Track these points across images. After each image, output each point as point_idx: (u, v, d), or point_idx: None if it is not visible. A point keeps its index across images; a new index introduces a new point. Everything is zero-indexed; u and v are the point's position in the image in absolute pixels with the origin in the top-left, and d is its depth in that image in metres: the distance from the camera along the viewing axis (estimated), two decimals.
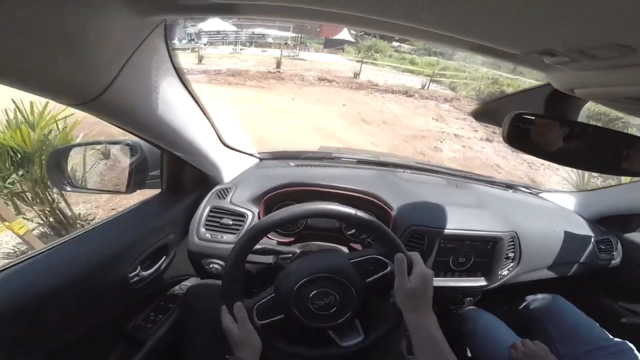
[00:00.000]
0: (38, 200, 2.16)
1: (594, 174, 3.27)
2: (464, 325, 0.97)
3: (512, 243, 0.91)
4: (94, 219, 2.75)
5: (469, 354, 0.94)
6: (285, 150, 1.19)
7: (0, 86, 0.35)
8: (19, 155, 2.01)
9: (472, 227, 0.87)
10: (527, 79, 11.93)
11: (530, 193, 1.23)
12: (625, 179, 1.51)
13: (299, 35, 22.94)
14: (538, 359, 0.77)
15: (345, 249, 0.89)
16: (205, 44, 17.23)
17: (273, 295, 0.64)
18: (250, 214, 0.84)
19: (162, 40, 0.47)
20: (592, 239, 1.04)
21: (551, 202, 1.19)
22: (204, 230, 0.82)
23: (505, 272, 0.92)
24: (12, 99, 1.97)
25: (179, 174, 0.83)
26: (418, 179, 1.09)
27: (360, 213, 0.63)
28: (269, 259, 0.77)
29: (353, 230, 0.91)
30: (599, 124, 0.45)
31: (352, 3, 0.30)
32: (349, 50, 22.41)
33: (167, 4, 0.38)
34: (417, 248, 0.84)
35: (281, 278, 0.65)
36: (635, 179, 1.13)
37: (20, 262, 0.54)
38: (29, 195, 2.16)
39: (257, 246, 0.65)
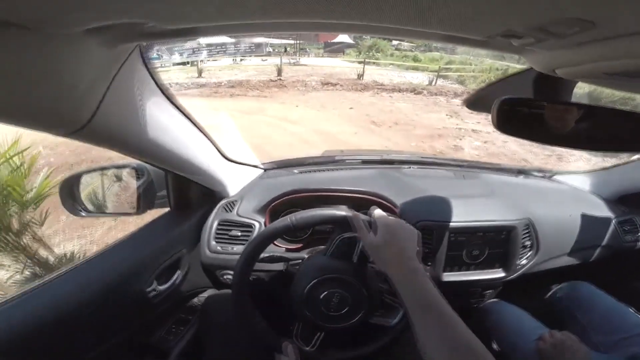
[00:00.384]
0: (7, 248, 1.82)
1: None
2: (487, 319, 0.93)
3: (528, 231, 0.88)
4: (85, 254, 2.47)
5: (496, 349, 0.89)
6: (289, 159, 1.17)
7: None
8: None
9: (483, 218, 0.84)
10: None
11: (543, 177, 1.17)
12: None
13: (298, 42, 22.87)
14: (567, 350, 0.73)
15: None
16: (205, 58, 17.21)
17: (301, 322, 0.67)
18: (257, 224, 0.85)
19: (141, 63, 0.48)
20: (614, 220, 1.00)
21: (566, 184, 1.14)
22: (214, 243, 0.84)
23: (524, 262, 0.89)
24: None
25: (185, 192, 0.85)
26: (423, 173, 1.07)
27: (337, 211, 0.62)
28: (279, 267, 0.75)
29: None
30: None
31: (322, 12, 0.30)
32: (349, 53, 22.14)
33: (132, 32, 0.38)
34: (427, 243, 0.82)
35: (291, 286, 0.65)
36: None
37: (41, 285, 0.56)
38: None
39: (265, 254, 0.66)
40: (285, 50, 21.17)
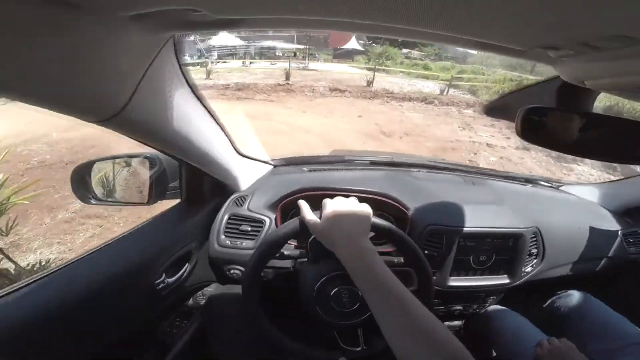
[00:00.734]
0: None
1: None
2: (488, 325, 0.94)
3: (535, 239, 0.89)
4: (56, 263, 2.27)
5: (495, 354, 0.91)
6: (298, 156, 1.17)
7: None
8: None
9: (492, 224, 0.85)
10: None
11: (551, 187, 1.19)
12: None
13: (307, 47, 22.84)
14: (564, 357, 0.74)
15: None
16: (215, 60, 17.21)
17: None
18: (267, 220, 0.84)
19: (173, 54, 0.48)
20: (619, 232, 1.00)
21: (574, 195, 1.15)
22: (223, 237, 0.83)
23: (528, 269, 0.90)
24: None
25: (197, 184, 0.85)
26: (433, 177, 1.07)
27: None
28: (287, 264, 0.74)
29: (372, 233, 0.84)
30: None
31: (358, 12, 0.31)
32: (359, 59, 22.00)
33: (174, 21, 0.38)
34: (436, 248, 0.82)
35: (301, 283, 0.65)
36: None
37: (52, 273, 0.56)
38: None
39: None
40: (295, 55, 21.13)
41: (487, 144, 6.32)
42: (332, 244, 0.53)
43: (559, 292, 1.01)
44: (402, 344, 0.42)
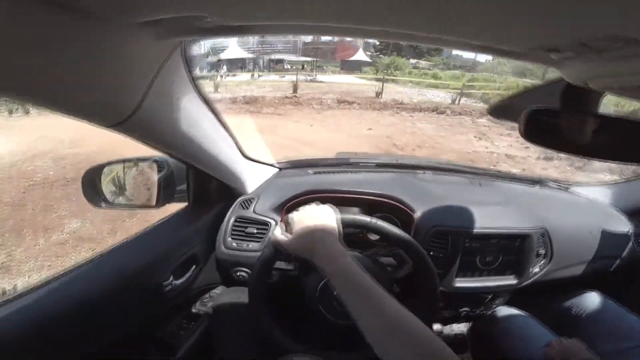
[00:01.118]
0: None
1: None
2: (496, 325, 0.93)
3: (542, 239, 0.88)
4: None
5: (503, 356, 0.87)
6: (303, 159, 1.17)
7: None
8: None
9: (498, 225, 0.84)
10: None
11: (560, 188, 1.15)
12: None
13: (315, 59, 23.07)
14: (575, 357, 0.72)
15: None
16: (225, 72, 17.47)
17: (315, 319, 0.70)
18: (273, 222, 0.85)
19: (182, 60, 0.48)
20: (629, 233, 0.99)
21: (583, 196, 1.12)
22: (230, 239, 0.83)
23: (536, 270, 0.89)
24: None
25: (204, 187, 0.86)
26: (439, 179, 1.06)
27: (355, 216, 0.67)
28: (291, 266, 0.77)
29: (378, 236, 0.85)
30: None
31: (366, 19, 0.31)
32: (367, 71, 22.01)
33: (183, 27, 0.39)
34: (442, 248, 0.82)
35: (304, 284, 0.68)
36: None
37: (63, 274, 0.57)
38: None
39: None
40: (303, 67, 21.32)
41: (506, 155, 5.96)
42: (310, 254, 0.53)
43: (571, 293, 0.98)
44: (381, 345, 0.42)
